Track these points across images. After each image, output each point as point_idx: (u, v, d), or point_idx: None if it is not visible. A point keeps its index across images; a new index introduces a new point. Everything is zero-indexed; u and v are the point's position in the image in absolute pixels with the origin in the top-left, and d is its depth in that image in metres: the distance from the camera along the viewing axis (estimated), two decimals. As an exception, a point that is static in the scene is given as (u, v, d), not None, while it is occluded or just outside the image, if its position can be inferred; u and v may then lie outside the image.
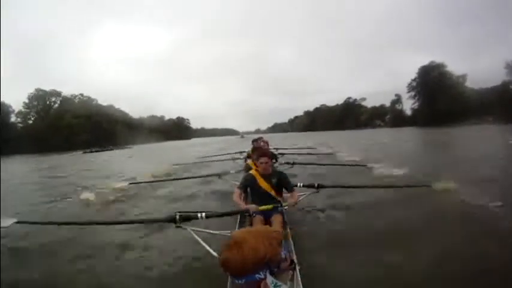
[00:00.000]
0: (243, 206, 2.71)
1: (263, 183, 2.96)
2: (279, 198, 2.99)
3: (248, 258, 0.77)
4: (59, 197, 6.82)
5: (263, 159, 2.96)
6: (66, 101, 58.50)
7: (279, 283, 0.80)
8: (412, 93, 62.24)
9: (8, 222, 3.17)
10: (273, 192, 2.97)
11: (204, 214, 2.50)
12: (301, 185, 3.68)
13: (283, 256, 0.88)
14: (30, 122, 55.66)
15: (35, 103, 57.10)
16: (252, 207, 2.59)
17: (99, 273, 2.77)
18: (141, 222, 3.55)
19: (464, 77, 57.67)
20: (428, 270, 2.57)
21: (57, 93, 57.88)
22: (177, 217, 2.46)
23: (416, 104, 62.84)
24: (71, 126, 51.02)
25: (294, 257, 2.12)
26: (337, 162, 8.67)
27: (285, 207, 2.80)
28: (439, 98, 53.74)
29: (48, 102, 57.23)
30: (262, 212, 2.69)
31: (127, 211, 5.10)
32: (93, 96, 64.64)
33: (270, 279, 0.79)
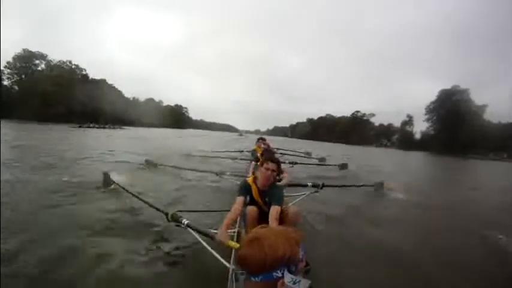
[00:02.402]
0: (224, 231, 2.22)
1: (257, 197, 2.65)
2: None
3: (267, 256, 0.76)
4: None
5: (270, 165, 2.56)
6: (51, 66, 52.29)
7: (298, 278, 0.80)
8: (428, 116, 57.55)
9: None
10: (266, 209, 2.56)
11: (186, 222, 2.50)
12: (310, 184, 3.93)
13: (301, 257, 0.84)
14: (6, 83, 49.26)
15: (18, 64, 51.17)
16: (221, 240, 2.15)
17: (90, 268, 2.47)
18: (143, 201, 3.36)
19: (483, 108, 53.56)
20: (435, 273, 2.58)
21: (42, 56, 51.66)
22: (169, 217, 2.56)
23: (432, 128, 58.23)
24: (45, 95, 44.65)
25: None
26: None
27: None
28: (459, 126, 49.27)
29: (28, 65, 50.92)
30: (259, 206, 2.63)
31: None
32: (85, 67, 59.05)
33: (288, 276, 0.79)
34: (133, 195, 3.77)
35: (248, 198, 2.67)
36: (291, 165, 6.98)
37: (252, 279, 0.78)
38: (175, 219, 2.54)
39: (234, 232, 2.64)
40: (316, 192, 3.83)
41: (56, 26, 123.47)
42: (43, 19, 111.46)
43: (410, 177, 10.93)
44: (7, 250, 2.54)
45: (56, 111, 43.48)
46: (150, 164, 7.15)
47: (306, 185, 3.98)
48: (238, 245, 2.14)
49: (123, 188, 4.18)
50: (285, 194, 3.11)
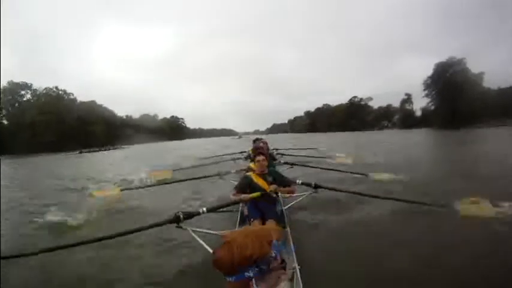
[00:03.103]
0: (237, 197, 2.84)
1: (259, 181, 3.07)
2: (274, 195, 3.03)
3: (235, 257, 0.80)
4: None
5: (259, 158, 3.17)
6: (37, 95, 51.54)
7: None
8: (427, 91, 55.52)
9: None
10: (269, 188, 3.00)
11: (205, 209, 2.60)
12: (300, 182, 3.64)
13: (273, 255, 0.85)
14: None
15: (4, 97, 50.48)
16: (244, 196, 2.78)
17: (100, 277, 2.76)
18: (140, 230, 2.94)
19: (481, 75, 51.84)
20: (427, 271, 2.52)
21: (26, 86, 50.86)
22: (181, 216, 2.51)
23: (432, 103, 56.41)
24: (34, 125, 43.81)
25: (294, 257, 2.28)
26: (337, 167, 7.52)
27: (278, 195, 3.01)
28: (459, 98, 47.59)
29: (14, 96, 49.97)
30: (260, 214, 2.85)
31: (124, 219, 4.75)
32: (75, 91, 58.35)
33: (254, 283, 0.83)
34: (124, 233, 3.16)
35: (248, 190, 3.00)
36: (290, 166, 6.50)
37: (228, 279, 0.83)
38: (189, 216, 2.53)
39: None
40: (315, 192, 3.66)
41: (41, 54, 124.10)
42: (28, 48, 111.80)
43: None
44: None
45: (46, 140, 42.62)
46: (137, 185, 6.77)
47: (303, 183, 3.64)
48: (258, 193, 2.78)
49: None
50: (283, 195, 3.31)
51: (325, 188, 3.74)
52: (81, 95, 60.63)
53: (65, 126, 46.40)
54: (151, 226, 2.84)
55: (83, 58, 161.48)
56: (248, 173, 3.27)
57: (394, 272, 2.51)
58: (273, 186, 2.93)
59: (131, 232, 2.95)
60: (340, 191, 4.12)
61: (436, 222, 3.58)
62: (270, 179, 3.09)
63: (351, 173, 6.51)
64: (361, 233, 3.50)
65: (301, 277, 1.88)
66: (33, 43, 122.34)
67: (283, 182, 3.13)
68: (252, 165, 4.41)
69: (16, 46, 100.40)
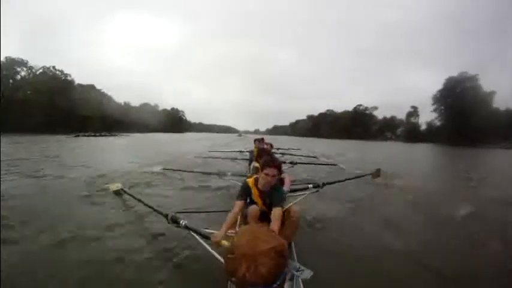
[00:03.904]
0: (222, 232, 2.24)
1: (257, 199, 2.63)
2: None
3: (279, 265, 0.74)
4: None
5: (269, 171, 2.44)
6: (33, 73, 49.08)
7: (303, 267, 0.85)
8: (435, 106, 54.32)
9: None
10: (266, 210, 2.60)
11: (186, 223, 2.53)
12: (311, 186, 3.84)
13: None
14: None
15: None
16: (214, 241, 2.21)
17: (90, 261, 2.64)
18: (143, 203, 3.48)
19: (492, 94, 50.63)
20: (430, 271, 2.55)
21: (22, 63, 48.34)
22: (168, 216, 2.61)
23: (439, 118, 55.23)
24: (25, 103, 41.33)
25: (295, 257, 2.27)
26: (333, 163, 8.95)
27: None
28: (470, 115, 46.27)
29: (10, 73, 47.25)
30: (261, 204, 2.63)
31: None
32: (76, 74, 56.21)
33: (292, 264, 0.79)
34: (134, 197, 3.80)
35: (248, 199, 2.66)
36: (291, 165, 6.75)
37: (274, 286, 0.75)
38: (175, 221, 2.57)
39: (233, 233, 2.57)
40: (317, 191, 3.80)
41: (46, 35, 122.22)
42: (33, 28, 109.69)
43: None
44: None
45: (37, 121, 40.49)
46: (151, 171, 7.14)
47: (306, 188, 3.84)
48: (228, 243, 2.24)
49: (129, 194, 4.12)
50: (286, 194, 3.14)
51: (332, 183, 4.09)
52: (82, 80, 58.19)
53: (58, 107, 44.29)
54: (149, 206, 3.26)
55: (89, 43, 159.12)
56: (248, 181, 2.67)
57: (394, 272, 2.52)
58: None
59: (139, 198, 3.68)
60: (348, 179, 5.05)
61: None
62: (267, 200, 2.57)
63: (325, 164, 8.73)
64: (361, 232, 3.52)
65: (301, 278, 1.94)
66: (41, 27, 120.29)
67: (277, 203, 2.44)
68: (258, 165, 4.19)
69: (22, 29, 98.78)
